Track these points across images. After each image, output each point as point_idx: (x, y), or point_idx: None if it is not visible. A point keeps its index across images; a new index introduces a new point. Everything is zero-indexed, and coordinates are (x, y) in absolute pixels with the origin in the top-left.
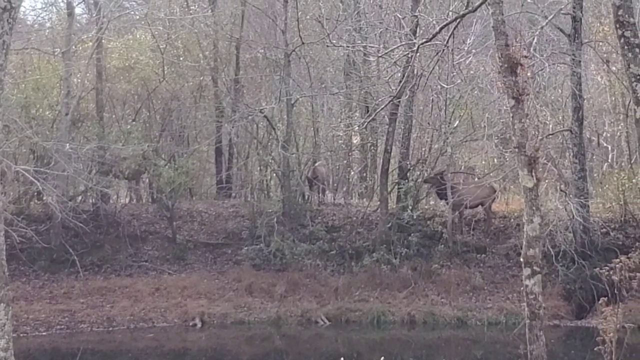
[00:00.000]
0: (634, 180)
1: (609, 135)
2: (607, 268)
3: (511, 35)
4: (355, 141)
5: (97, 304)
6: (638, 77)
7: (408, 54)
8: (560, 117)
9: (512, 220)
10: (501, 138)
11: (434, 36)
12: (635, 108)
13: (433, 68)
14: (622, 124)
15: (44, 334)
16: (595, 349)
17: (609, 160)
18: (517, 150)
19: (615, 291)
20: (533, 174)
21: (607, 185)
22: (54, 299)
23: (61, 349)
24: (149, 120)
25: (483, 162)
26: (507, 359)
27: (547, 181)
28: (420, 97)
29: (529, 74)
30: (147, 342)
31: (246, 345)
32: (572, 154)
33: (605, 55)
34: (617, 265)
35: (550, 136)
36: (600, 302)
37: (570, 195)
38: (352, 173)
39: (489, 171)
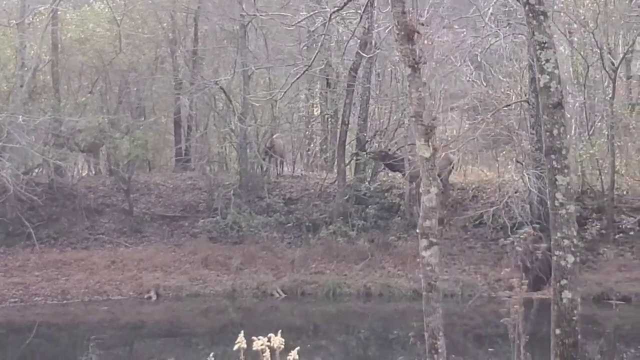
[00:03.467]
0: (591, 152)
1: (571, 106)
2: (510, 239)
3: (408, 2)
4: (316, 113)
5: (52, 277)
6: (542, 44)
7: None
8: (519, 89)
9: (469, 191)
10: (462, 109)
11: (345, 4)
12: (539, 76)
13: (383, 39)
14: (583, 96)
15: None
16: (501, 320)
17: (572, 132)
18: (414, 119)
19: (519, 262)
20: (430, 143)
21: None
22: (8, 272)
23: (16, 322)
24: (105, 92)
25: (447, 134)
26: (463, 331)
27: (504, 153)
28: (379, 68)
29: (425, 42)
30: (103, 315)
31: (202, 317)
32: (529, 125)
33: (567, 26)
34: (521, 237)
35: (508, 107)
36: (502, 273)
37: (528, 167)
38: (312, 145)
39: (446, 142)
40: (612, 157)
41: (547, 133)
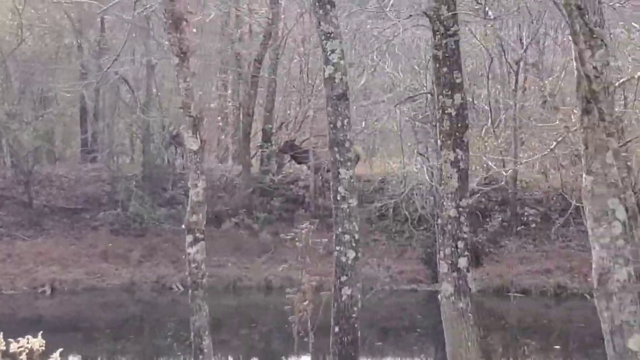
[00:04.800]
0: (495, 143)
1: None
2: (291, 234)
3: None
4: (230, 104)
5: None
6: (328, 35)
7: None
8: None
9: (375, 183)
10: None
11: None
12: (324, 67)
13: (291, 29)
14: (499, 86)
15: None
16: (289, 318)
17: (488, 124)
18: (182, 110)
19: (299, 258)
20: (198, 135)
21: (471, 149)
22: None
23: None
24: (5, 82)
25: (357, 127)
26: (368, 325)
27: (409, 145)
28: (286, 60)
29: (194, 30)
30: None
31: (101, 311)
32: (433, 117)
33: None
34: (302, 231)
35: (412, 99)
36: (280, 269)
37: (431, 159)
38: (224, 137)
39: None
40: (515, 149)
41: (331, 125)
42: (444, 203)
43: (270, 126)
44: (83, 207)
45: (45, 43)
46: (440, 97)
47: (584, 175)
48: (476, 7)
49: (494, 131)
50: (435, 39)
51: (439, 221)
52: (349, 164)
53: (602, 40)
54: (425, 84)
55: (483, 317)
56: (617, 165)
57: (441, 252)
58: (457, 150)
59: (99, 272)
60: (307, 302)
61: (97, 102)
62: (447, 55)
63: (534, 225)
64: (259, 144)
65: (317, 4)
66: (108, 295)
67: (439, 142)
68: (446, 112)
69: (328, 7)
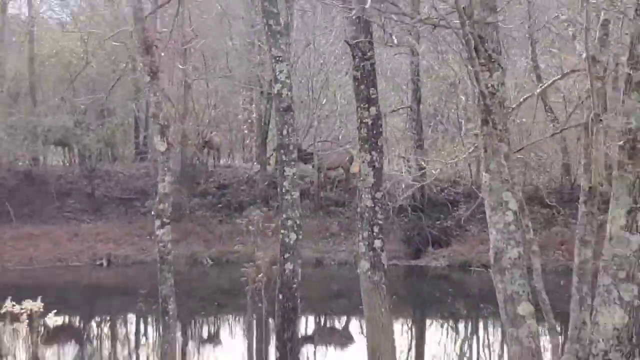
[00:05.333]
0: (462, 148)
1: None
2: (245, 219)
3: (148, 20)
4: (254, 115)
5: (23, 247)
6: (277, 58)
7: None
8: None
9: None
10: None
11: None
12: (274, 85)
13: (300, 56)
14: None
15: None
16: (246, 289)
17: (462, 133)
18: (152, 119)
19: (252, 239)
20: (165, 139)
21: (443, 152)
22: None
23: None
24: (74, 97)
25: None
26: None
27: (394, 149)
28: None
29: (162, 54)
30: (66, 278)
31: (146, 281)
32: (412, 127)
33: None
34: (253, 218)
35: (395, 111)
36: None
37: (410, 161)
38: (248, 141)
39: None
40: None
41: (279, 132)
42: (362, 195)
43: None
44: (135, 197)
45: (105, 65)
46: (359, 109)
47: (483, 173)
48: (384, 34)
49: (461, 138)
50: (354, 62)
51: (358, 209)
52: (292, 163)
53: (499, 64)
54: (407, 99)
55: (450, 286)
56: (508, 166)
57: (360, 235)
58: (373, 152)
59: (146, 249)
60: (261, 274)
61: (147, 114)
62: (364, 75)
63: None
64: (274, 148)
65: (269, 33)
66: (151, 267)
67: (357, 146)
68: (364, 121)
69: (278, 36)
